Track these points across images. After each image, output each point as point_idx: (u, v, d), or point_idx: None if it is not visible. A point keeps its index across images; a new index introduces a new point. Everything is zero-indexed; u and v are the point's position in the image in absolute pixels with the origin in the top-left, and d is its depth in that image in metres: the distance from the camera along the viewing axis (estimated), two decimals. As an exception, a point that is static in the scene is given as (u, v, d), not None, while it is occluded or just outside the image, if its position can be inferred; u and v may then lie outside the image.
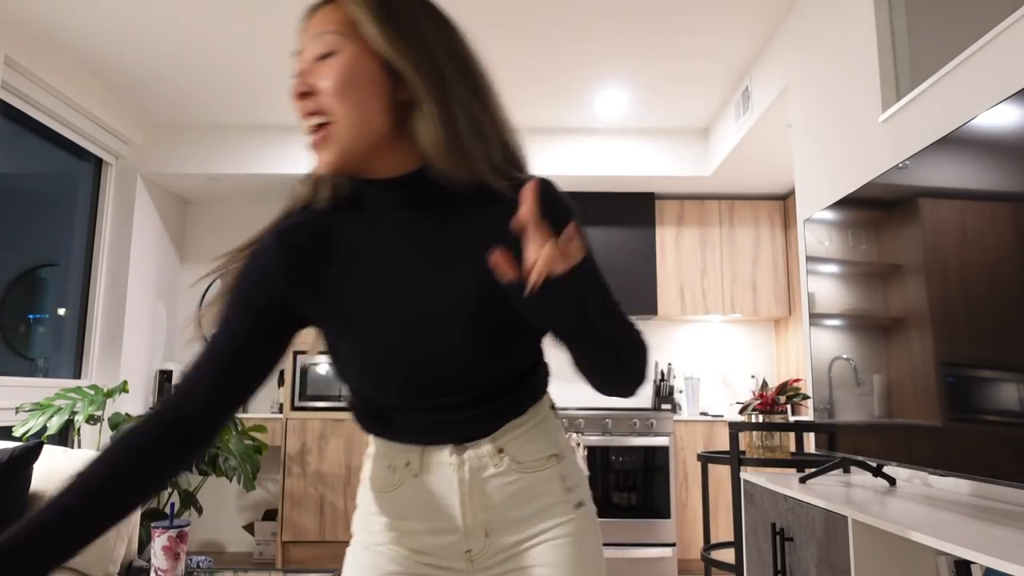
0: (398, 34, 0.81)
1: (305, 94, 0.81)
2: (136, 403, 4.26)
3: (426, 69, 0.81)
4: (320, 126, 0.81)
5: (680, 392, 4.69)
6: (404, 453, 0.92)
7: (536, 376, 0.96)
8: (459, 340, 0.86)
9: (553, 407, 1.01)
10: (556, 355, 1.01)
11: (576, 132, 4.38)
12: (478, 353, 0.87)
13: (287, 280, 0.87)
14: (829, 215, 2.17)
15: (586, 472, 1.04)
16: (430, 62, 0.82)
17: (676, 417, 4.18)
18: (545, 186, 0.87)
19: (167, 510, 3.47)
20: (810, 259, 2.33)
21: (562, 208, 0.87)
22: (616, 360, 0.86)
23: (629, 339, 0.87)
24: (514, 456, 0.92)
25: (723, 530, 4.07)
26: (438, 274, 0.87)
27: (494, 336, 0.87)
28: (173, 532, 2.20)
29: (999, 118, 1.43)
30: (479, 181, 0.85)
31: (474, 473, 0.90)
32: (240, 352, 0.86)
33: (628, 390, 0.90)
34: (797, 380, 2.76)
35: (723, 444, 4.16)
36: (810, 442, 3.50)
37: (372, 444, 0.97)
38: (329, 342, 0.92)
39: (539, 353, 0.97)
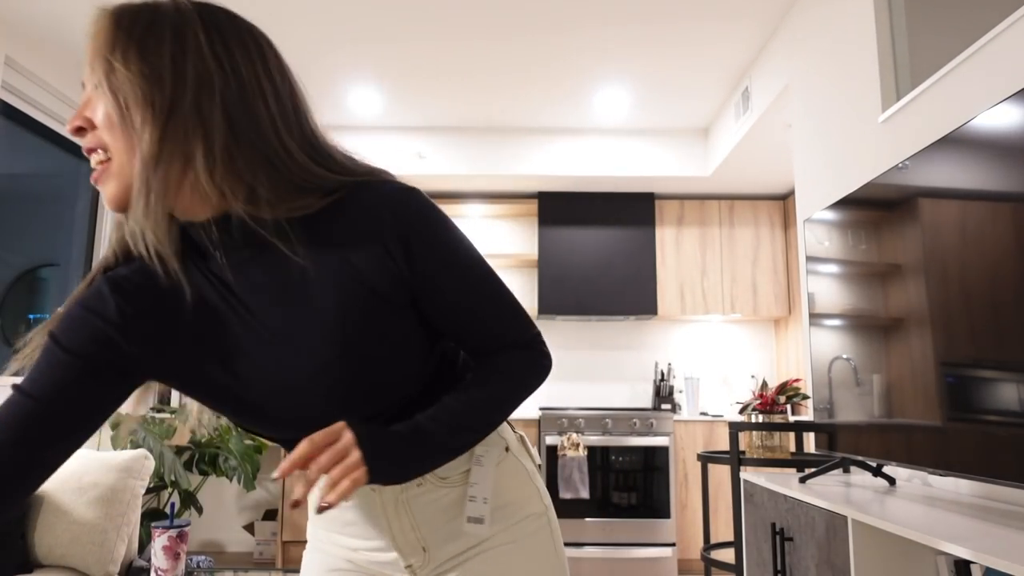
0: (125, 76, 0.72)
1: (80, 129, 0.74)
2: (135, 403, 4.26)
3: (176, 104, 0.72)
4: (97, 163, 0.74)
5: (680, 392, 4.69)
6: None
7: (434, 392, 0.88)
8: (336, 373, 0.79)
9: None
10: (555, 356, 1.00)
11: (576, 132, 4.38)
12: (359, 384, 0.80)
13: (123, 332, 0.78)
14: (829, 215, 2.17)
15: (537, 462, 1.01)
16: (162, 99, 0.72)
17: (676, 417, 4.18)
18: (382, 198, 0.79)
19: (167, 510, 3.47)
20: (810, 259, 2.33)
21: (410, 221, 0.79)
22: (499, 420, 0.86)
23: (499, 408, 0.85)
24: (436, 472, 0.88)
25: (723, 530, 4.07)
26: (292, 310, 0.79)
27: (374, 361, 0.80)
28: (173, 532, 2.20)
29: (999, 118, 1.43)
30: (289, 214, 0.76)
31: (396, 495, 0.88)
32: (57, 411, 0.75)
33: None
34: (797, 380, 2.76)
35: (723, 444, 4.16)
36: (810, 442, 3.50)
37: None
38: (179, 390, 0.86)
39: (442, 367, 0.90)
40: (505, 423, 0.97)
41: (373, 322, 0.79)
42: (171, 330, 0.80)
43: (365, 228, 0.78)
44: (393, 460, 0.75)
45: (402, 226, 0.79)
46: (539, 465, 1.01)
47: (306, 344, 0.79)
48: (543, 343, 0.90)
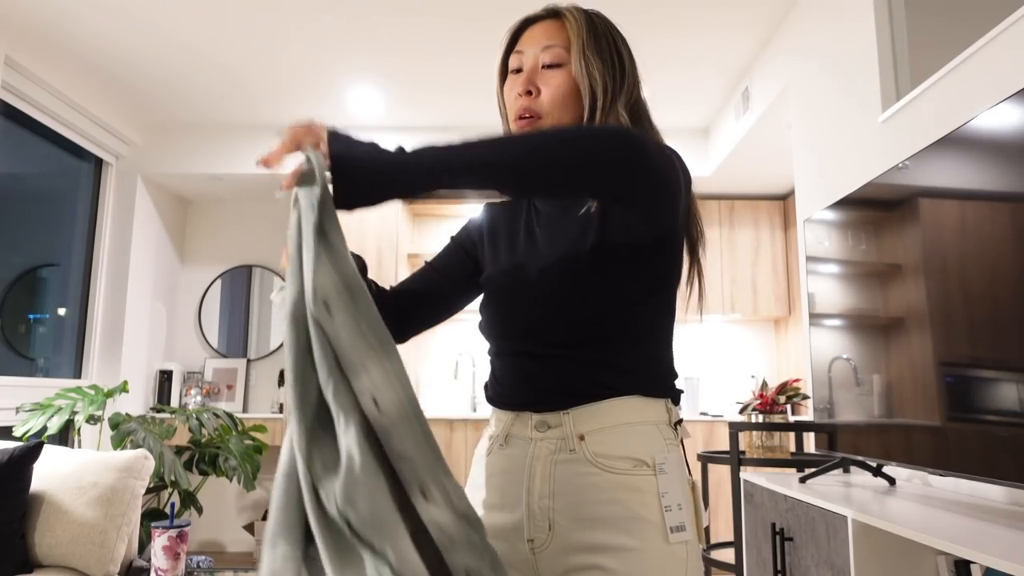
0: (591, 66, 0.97)
1: (529, 92, 0.97)
2: (136, 403, 4.26)
3: (608, 98, 0.97)
4: (528, 120, 0.97)
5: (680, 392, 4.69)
6: (498, 421, 0.99)
7: (636, 364, 0.93)
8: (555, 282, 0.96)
9: (675, 426, 0.96)
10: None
11: (576, 132, 4.38)
12: (566, 293, 0.95)
13: (476, 233, 1.12)
14: (829, 215, 2.17)
15: (688, 498, 0.92)
16: (609, 94, 0.97)
17: (676, 417, 4.18)
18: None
19: (167, 510, 3.47)
20: (810, 259, 2.33)
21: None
22: (552, 178, 0.80)
23: (555, 151, 0.79)
24: (593, 448, 0.88)
25: (723, 530, 4.07)
26: (543, 237, 1.01)
27: (578, 281, 0.95)
28: (173, 532, 2.20)
29: (999, 118, 1.43)
30: None
31: (548, 453, 0.90)
32: (440, 274, 1.12)
33: (609, 185, 0.82)
34: (797, 380, 2.76)
35: (723, 444, 4.16)
36: (810, 442, 3.50)
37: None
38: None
39: (643, 337, 0.95)
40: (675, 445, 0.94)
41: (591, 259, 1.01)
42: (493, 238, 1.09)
43: None
44: (358, 147, 0.79)
45: None
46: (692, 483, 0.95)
47: (549, 259, 1.01)
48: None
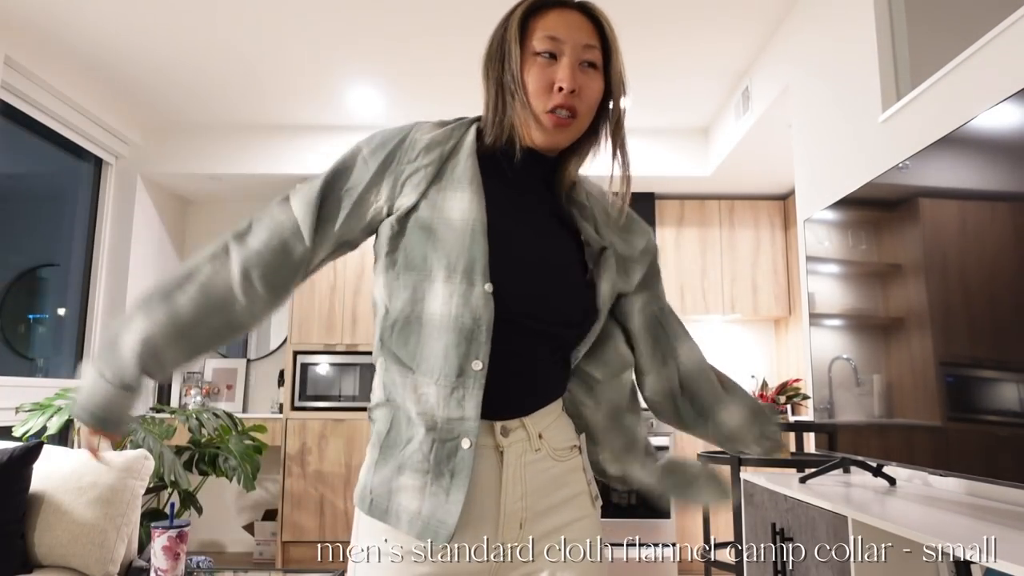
0: (620, 78, 1.01)
1: (573, 92, 0.95)
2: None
3: (616, 108, 1.01)
4: (568, 119, 0.96)
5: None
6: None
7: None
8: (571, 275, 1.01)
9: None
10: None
11: (576, 132, 4.38)
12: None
13: None
14: (829, 215, 2.17)
15: None
16: (617, 104, 1.02)
17: (676, 417, 4.18)
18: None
19: (167, 510, 3.47)
20: (810, 259, 2.33)
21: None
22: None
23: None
24: (550, 442, 0.95)
25: (723, 530, 4.07)
26: (547, 227, 1.02)
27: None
28: (173, 532, 2.20)
29: (999, 118, 1.43)
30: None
31: (517, 458, 0.92)
32: None
33: None
34: (797, 380, 2.76)
35: (723, 444, 4.15)
36: (810, 442, 3.50)
37: None
38: None
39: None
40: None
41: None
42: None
43: None
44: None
45: None
46: None
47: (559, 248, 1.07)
48: None
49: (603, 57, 0.99)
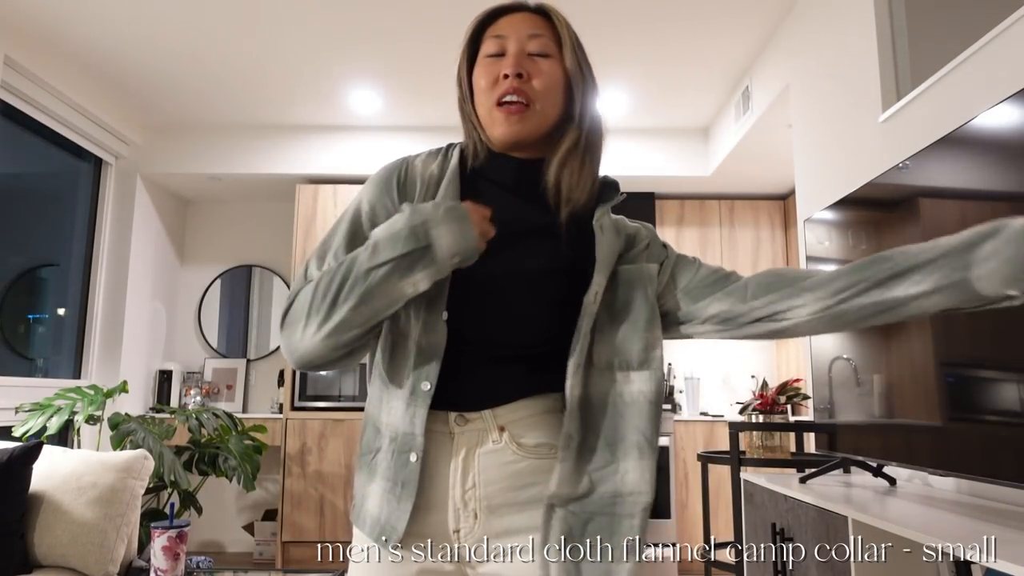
0: (581, 65, 1.00)
1: (520, 75, 0.96)
2: (136, 403, 4.26)
3: (583, 100, 1.00)
4: (518, 104, 0.95)
5: (680, 392, 4.69)
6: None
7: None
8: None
9: None
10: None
11: (576, 132, 4.37)
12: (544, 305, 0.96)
13: None
14: (829, 215, 2.17)
15: None
16: (585, 96, 1.00)
17: (676, 417, 4.18)
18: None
19: (167, 510, 3.47)
20: (810, 259, 2.33)
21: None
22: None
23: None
24: (517, 437, 0.93)
25: (723, 530, 4.07)
26: (525, 245, 0.98)
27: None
28: (173, 532, 2.20)
29: (999, 118, 1.43)
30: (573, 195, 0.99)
31: (468, 447, 0.92)
32: None
33: None
34: (797, 380, 2.76)
35: (723, 444, 4.15)
36: (810, 442, 3.50)
37: None
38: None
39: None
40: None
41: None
42: None
43: None
44: None
45: None
46: None
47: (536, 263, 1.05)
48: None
49: (558, 49, 0.99)
